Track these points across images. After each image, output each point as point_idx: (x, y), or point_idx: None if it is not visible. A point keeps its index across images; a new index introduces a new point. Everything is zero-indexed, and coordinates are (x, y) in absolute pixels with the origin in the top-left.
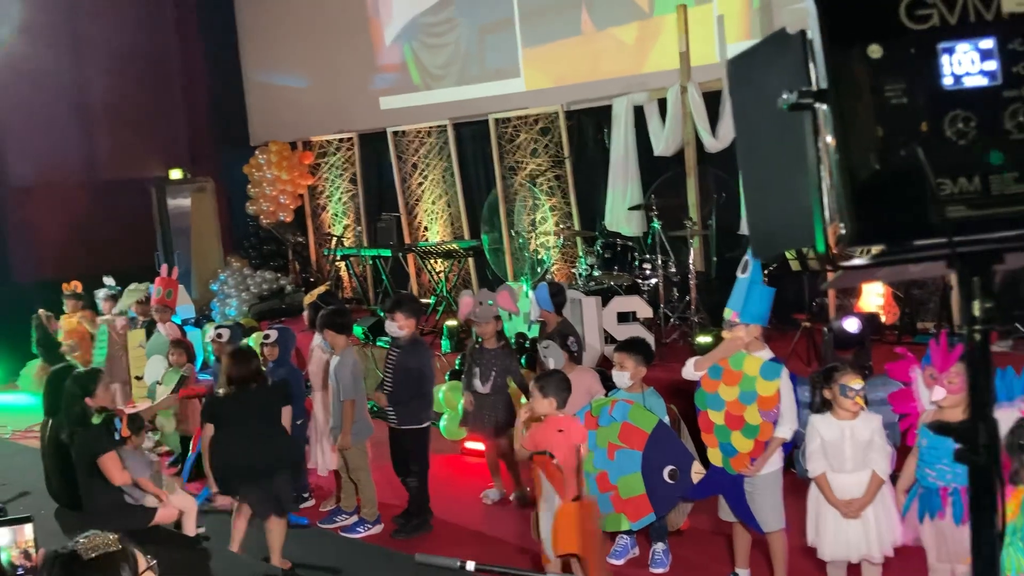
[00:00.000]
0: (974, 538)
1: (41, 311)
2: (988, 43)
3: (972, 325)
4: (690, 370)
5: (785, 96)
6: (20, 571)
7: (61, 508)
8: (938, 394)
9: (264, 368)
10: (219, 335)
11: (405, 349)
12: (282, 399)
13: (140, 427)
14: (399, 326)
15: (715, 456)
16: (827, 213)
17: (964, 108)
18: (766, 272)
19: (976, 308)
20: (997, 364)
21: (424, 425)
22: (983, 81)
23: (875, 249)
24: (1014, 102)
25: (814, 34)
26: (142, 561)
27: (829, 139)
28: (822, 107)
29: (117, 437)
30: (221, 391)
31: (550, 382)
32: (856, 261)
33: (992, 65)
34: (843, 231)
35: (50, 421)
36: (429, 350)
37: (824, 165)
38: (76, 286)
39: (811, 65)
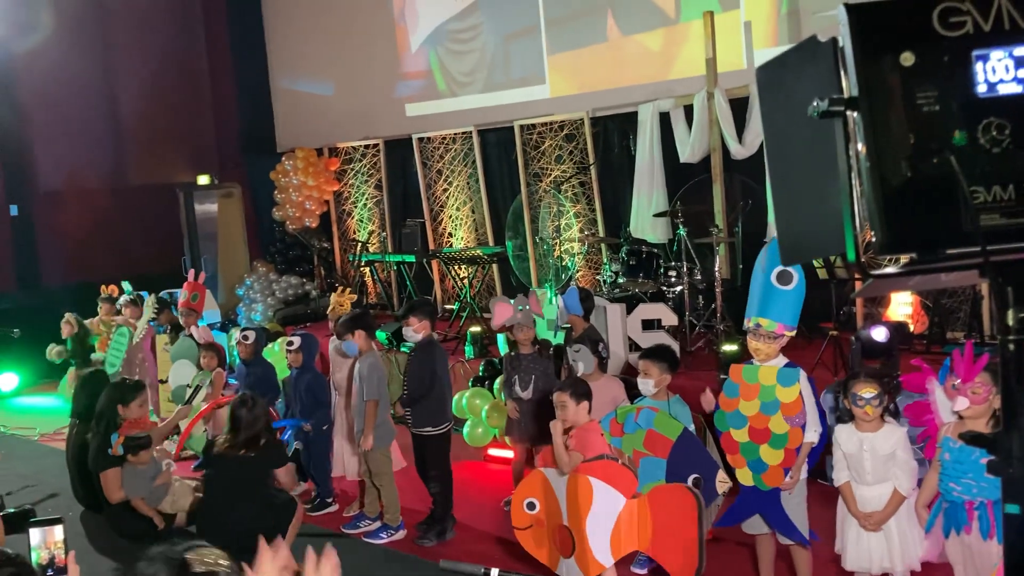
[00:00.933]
0: (1007, 552)
1: (71, 316)
2: (1023, 50)
3: (1007, 335)
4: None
5: (816, 103)
6: (50, 572)
7: (87, 511)
8: (961, 404)
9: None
10: (245, 337)
11: (419, 351)
12: (279, 461)
13: (142, 447)
14: (414, 329)
15: (744, 476)
16: (858, 221)
17: (998, 116)
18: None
19: (1010, 318)
20: None
21: (442, 429)
22: (1018, 88)
23: (906, 258)
24: None
25: (845, 41)
26: None
27: (860, 147)
28: (853, 114)
29: (110, 453)
30: (220, 443)
31: (580, 386)
32: (887, 269)
33: None
34: (874, 239)
35: (76, 424)
36: (442, 351)
37: (855, 173)
38: (113, 290)
39: (842, 72)
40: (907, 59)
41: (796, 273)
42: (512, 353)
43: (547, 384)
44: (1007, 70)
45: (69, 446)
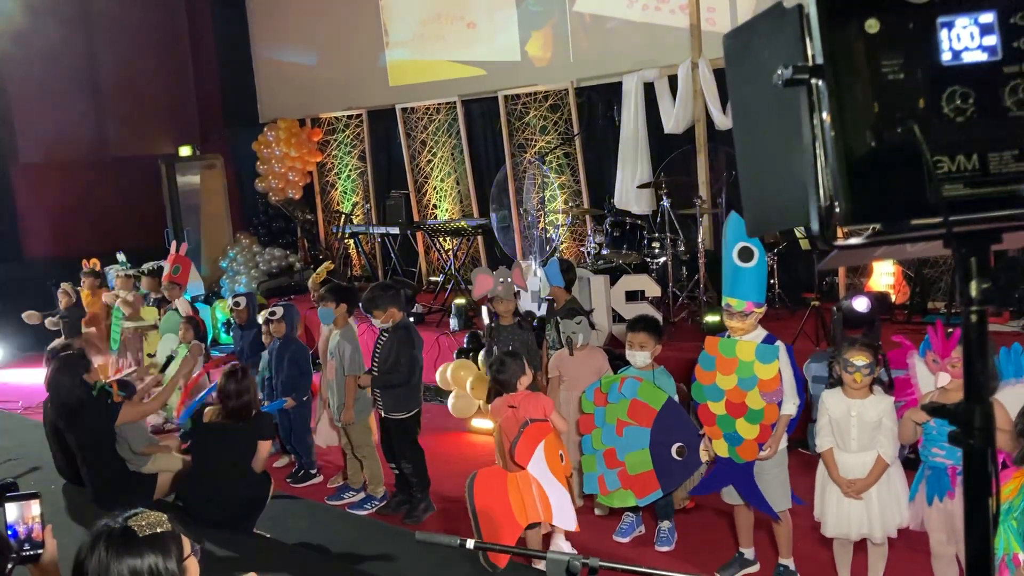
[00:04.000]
0: (967, 521)
1: (67, 286)
2: (988, 17)
3: (969, 306)
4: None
5: (780, 71)
6: (27, 547)
7: (68, 484)
8: (943, 379)
9: (269, 345)
10: (236, 303)
11: (391, 337)
12: (266, 433)
13: (133, 391)
14: (381, 321)
15: (720, 447)
16: (822, 191)
17: (963, 84)
18: (775, 252)
19: (973, 288)
20: (1006, 343)
21: (411, 414)
22: (982, 56)
23: (871, 228)
24: (1014, 78)
25: (811, 7)
26: (187, 545)
27: (825, 115)
28: (818, 83)
29: (110, 401)
30: (209, 413)
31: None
32: (852, 240)
33: (992, 40)
34: (838, 209)
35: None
36: (416, 337)
37: (820, 142)
38: (95, 264)
39: (807, 40)
40: (872, 26)
41: (756, 249)
42: (492, 324)
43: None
44: (972, 37)
45: (46, 419)
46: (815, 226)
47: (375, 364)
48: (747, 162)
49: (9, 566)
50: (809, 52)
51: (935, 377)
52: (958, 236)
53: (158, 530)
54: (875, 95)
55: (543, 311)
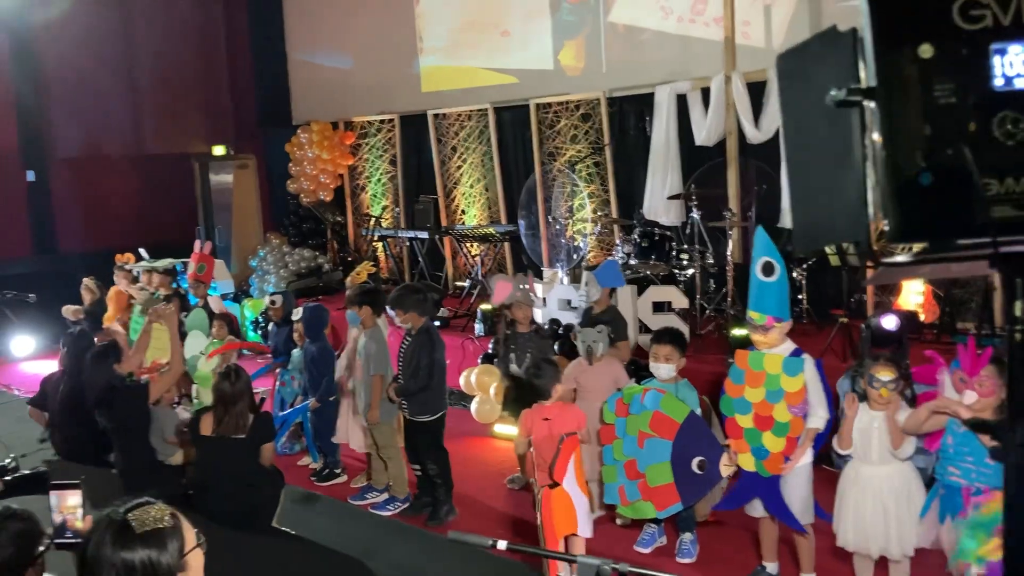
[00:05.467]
0: (1007, 537)
1: (91, 281)
2: None
3: (1014, 325)
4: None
5: (834, 92)
6: (67, 535)
7: (63, 460)
8: (969, 398)
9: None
10: (272, 302)
11: (414, 340)
12: (267, 436)
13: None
14: (400, 321)
15: (747, 461)
16: (871, 209)
17: (1014, 110)
18: (805, 267)
19: (1018, 308)
20: None
21: (436, 416)
22: None
23: (918, 246)
24: None
25: (865, 32)
26: (191, 537)
27: (876, 136)
28: (870, 104)
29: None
30: (206, 421)
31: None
32: (898, 258)
33: None
34: (886, 227)
35: (64, 376)
36: (438, 341)
37: (870, 162)
38: (129, 258)
39: (861, 63)
40: (926, 51)
41: (778, 264)
42: (509, 331)
43: None
44: None
45: (57, 395)
46: (864, 243)
47: (400, 368)
48: (797, 178)
49: (41, 548)
50: (862, 74)
51: (960, 396)
52: (1005, 256)
53: (158, 526)
54: (926, 118)
55: (573, 318)
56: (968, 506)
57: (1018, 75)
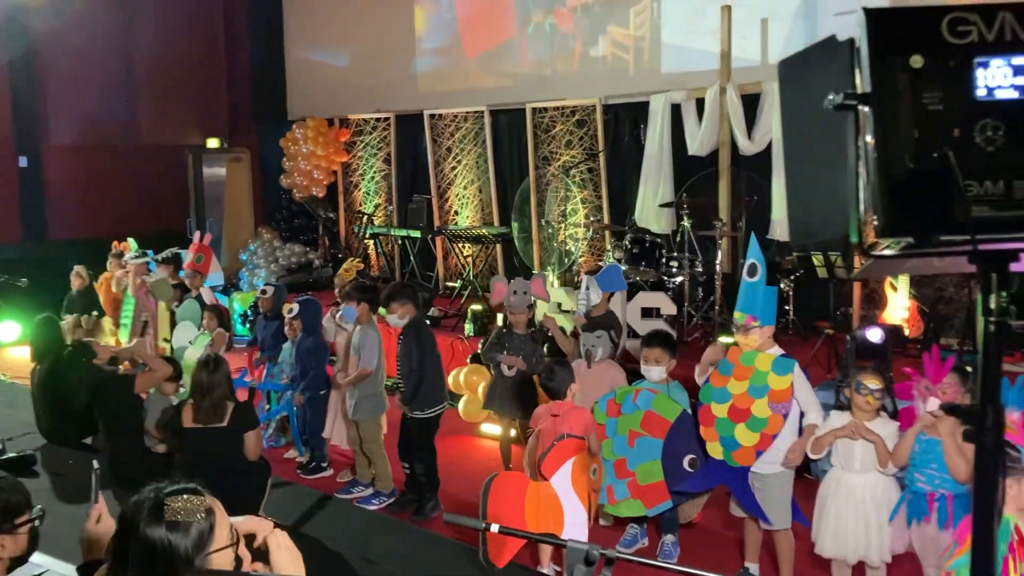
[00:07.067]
0: (975, 516)
1: (81, 268)
2: (1021, 60)
3: (988, 316)
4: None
5: (831, 97)
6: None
7: (49, 445)
8: (932, 404)
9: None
10: (263, 292)
11: (405, 337)
12: (249, 425)
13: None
14: (398, 316)
15: (715, 450)
16: (862, 206)
17: (994, 118)
18: (792, 278)
19: (992, 301)
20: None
21: (432, 413)
22: (1014, 94)
23: (903, 241)
24: None
25: (862, 42)
26: (223, 537)
27: (869, 138)
28: (864, 109)
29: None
30: (187, 412)
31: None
32: (885, 252)
33: (1023, 80)
34: (876, 223)
35: (37, 366)
36: (429, 334)
37: (862, 162)
38: (124, 247)
39: (857, 70)
40: (916, 61)
41: (760, 266)
42: (504, 329)
43: (532, 366)
44: (1005, 77)
45: (34, 385)
46: (854, 237)
47: (399, 370)
48: (793, 177)
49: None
50: (858, 81)
51: (924, 404)
52: (982, 253)
53: (188, 519)
54: (915, 123)
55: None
56: (932, 510)
57: (999, 87)
